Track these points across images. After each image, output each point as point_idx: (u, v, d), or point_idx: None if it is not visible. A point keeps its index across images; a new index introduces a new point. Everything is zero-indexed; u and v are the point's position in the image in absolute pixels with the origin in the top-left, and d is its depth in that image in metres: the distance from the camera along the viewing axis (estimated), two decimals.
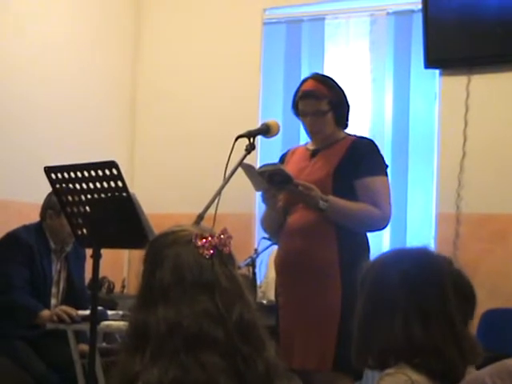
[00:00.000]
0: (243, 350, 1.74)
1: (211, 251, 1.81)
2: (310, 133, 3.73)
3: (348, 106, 3.73)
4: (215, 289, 1.78)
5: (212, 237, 1.83)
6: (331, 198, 3.50)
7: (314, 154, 3.72)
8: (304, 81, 3.75)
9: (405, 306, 1.94)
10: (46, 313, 4.17)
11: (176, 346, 1.71)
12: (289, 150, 3.89)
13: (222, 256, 1.83)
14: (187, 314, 1.74)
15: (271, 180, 3.47)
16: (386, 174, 3.66)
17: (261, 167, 3.55)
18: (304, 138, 4.06)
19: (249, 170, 3.49)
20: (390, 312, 1.95)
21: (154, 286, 1.79)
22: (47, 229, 4.43)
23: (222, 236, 1.84)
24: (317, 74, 3.84)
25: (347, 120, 3.74)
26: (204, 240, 1.81)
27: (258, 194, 3.78)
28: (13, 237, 4.39)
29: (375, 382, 1.95)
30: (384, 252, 2.12)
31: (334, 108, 3.65)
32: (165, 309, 1.75)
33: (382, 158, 3.69)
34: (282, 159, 3.83)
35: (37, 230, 4.43)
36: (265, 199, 3.63)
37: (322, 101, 3.64)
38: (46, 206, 4.42)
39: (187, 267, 1.78)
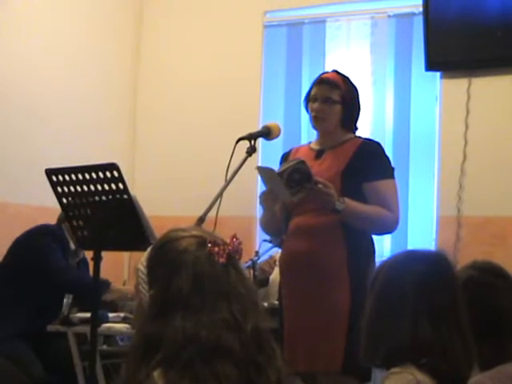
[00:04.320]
0: (257, 360, 1.70)
1: (226, 258, 1.75)
2: (314, 119, 3.66)
3: (359, 108, 3.71)
4: (231, 297, 1.72)
5: (226, 244, 1.77)
6: (346, 199, 3.45)
7: (319, 153, 3.67)
8: (325, 72, 3.78)
9: (415, 306, 1.94)
10: (114, 285, 4.29)
11: (191, 356, 1.65)
12: (291, 149, 3.83)
13: (235, 263, 1.78)
14: (206, 324, 1.68)
15: (290, 179, 3.41)
16: (394, 177, 3.65)
17: (280, 167, 3.48)
18: (305, 141, 4.04)
19: (268, 174, 3.42)
20: (399, 312, 1.95)
21: (171, 294, 1.71)
22: (66, 230, 4.38)
23: (235, 243, 1.78)
24: (337, 71, 3.81)
25: (355, 123, 3.72)
26: (218, 247, 1.76)
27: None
28: (47, 228, 4.40)
29: (381, 380, 1.95)
30: (395, 253, 2.12)
31: (343, 103, 3.63)
32: (184, 318, 1.68)
33: (389, 161, 3.67)
34: (285, 158, 3.76)
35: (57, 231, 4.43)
36: (261, 201, 3.61)
37: (335, 90, 3.62)
38: None
39: (206, 275, 1.72)
